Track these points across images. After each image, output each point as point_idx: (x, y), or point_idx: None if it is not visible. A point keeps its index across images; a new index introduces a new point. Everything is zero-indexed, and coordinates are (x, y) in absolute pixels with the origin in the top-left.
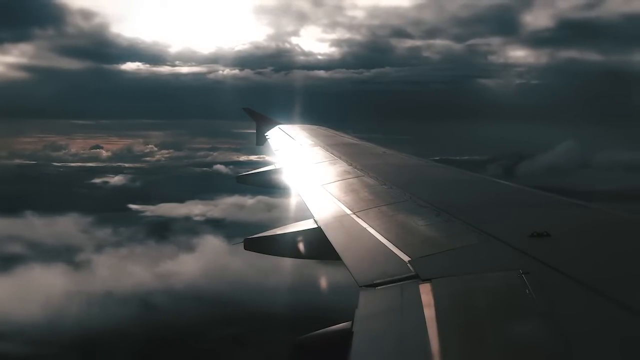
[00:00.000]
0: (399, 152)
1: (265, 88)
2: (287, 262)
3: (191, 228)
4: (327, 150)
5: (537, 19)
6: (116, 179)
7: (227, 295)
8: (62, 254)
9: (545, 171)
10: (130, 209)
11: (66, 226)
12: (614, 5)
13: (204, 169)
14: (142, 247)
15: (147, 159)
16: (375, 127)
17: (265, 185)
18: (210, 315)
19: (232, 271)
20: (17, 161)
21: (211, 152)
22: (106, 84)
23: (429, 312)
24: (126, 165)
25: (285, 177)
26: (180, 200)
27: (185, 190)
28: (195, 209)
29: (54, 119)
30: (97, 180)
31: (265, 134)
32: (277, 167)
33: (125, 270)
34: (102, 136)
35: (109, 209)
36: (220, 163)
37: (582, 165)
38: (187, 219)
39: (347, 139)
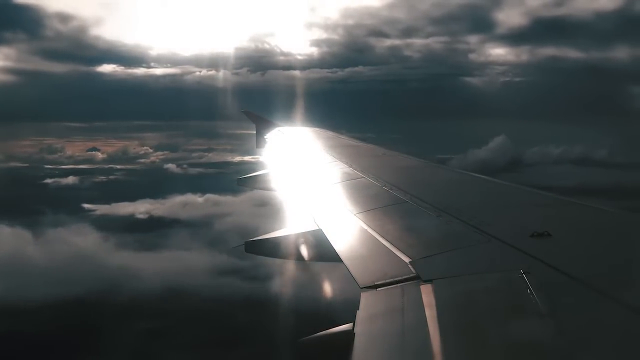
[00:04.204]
0: (398, 153)
1: (245, 89)
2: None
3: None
4: (327, 151)
5: (509, 17)
6: (95, 180)
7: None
8: None
9: (478, 167)
10: (82, 208)
11: None
12: (581, 2)
13: (191, 169)
14: None
15: (142, 160)
16: (365, 126)
17: (265, 187)
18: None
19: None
20: (13, 164)
21: (206, 153)
22: (91, 86)
23: (431, 313)
24: (118, 167)
25: (285, 179)
26: (133, 199)
27: (155, 189)
28: (141, 207)
29: (48, 122)
30: (75, 181)
31: (265, 136)
32: (277, 169)
33: None
34: (100, 138)
35: (61, 209)
36: (213, 164)
37: (514, 162)
38: (130, 217)
39: (347, 140)
